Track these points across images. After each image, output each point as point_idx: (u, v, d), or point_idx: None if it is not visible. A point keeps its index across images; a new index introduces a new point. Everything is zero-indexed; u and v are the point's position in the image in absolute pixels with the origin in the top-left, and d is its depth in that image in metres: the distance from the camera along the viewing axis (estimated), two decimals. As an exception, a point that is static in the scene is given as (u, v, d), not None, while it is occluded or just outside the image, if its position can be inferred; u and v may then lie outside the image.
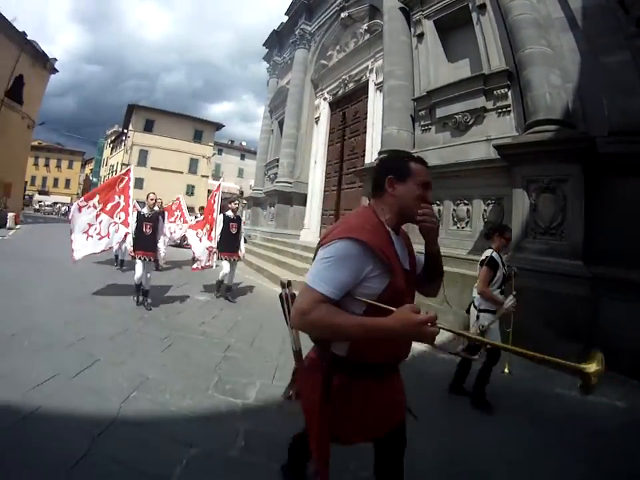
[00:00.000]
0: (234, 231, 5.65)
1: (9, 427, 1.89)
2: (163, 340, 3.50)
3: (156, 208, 5.43)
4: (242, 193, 37.65)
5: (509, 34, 5.28)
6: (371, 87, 8.94)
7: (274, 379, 2.87)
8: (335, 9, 11.17)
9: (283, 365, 3.06)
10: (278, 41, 16.33)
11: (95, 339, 3.29)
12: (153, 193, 5.33)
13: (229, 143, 45.28)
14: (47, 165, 48.05)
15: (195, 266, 5.84)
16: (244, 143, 47.95)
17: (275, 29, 16.51)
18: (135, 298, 4.88)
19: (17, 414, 1.99)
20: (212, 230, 5.67)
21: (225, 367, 3.03)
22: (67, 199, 45.38)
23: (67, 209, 33.91)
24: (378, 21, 8.96)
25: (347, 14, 10.55)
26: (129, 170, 5.56)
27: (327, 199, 10.55)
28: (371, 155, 8.16)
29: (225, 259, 5.58)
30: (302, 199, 11.23)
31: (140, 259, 4.85)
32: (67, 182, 49.69)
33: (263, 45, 17.66)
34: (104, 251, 5.13)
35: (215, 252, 5.65)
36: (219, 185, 6.29)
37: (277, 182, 12.11)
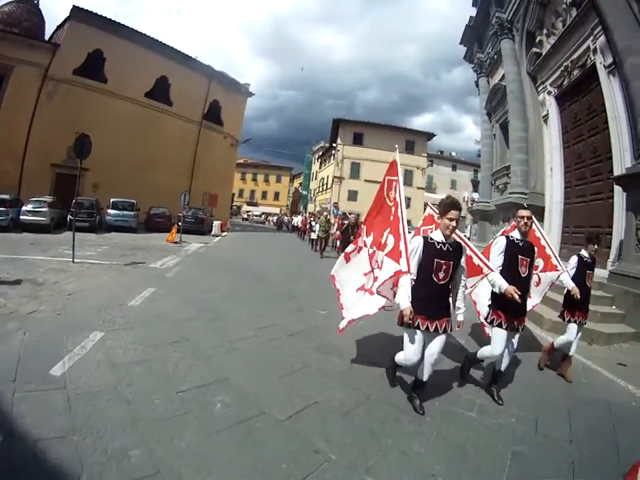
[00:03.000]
0: (524, 272, 3.45)
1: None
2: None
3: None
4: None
5: None
6: (601, 72, 8.21)
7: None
8: (525, -13, 10.78)
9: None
10: (474, 36, 16.36)
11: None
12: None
13: (439, 153, 46.23)
14: (254, 180, 62.34)
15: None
16: (453, 154, 48.55)
17: (467, 23, 16.69)
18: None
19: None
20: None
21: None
22: (277, 210, 56.87)
23: (281, 219, 41.92)
24: (584, -13, 8.31)
25: (541, -11, 10.09)
26: (393, 163, 4.07)
27: (567, 213, 10.02)
28: (621, 156, 7.54)
29: (501, 326, 3.40)
30: (538, 213, 10.94)
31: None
32: (276, 194, 63.30)
33: (460, 43, 17.94)
34: (385, 309, 3.63)
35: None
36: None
37: (511, 193, 11.98)
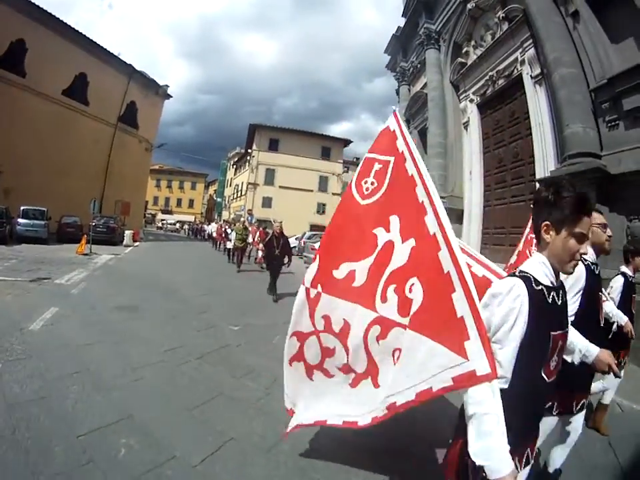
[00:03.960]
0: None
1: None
2: None
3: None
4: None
5: None
6: (527, 82, 8.63)
7: None
8: (458, 1, 11.23)
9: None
10: (400, 46, 16.90)
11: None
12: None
13: (355, 160, 47.67)
14: (169, 187, 59.78)
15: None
16: None
17: (394, 33, 17.12)
18: None
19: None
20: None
21: None
22: (191, 218, 55.45)
23: (192, 228, 40.04)
24: (516, 5, 8.78)
25: (473, 4, 10.57)
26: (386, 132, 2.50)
27: (487, 215, 10.36)
28: (544, 161, 7.83)
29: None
30: (458, 216, 11.26)
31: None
32: (191, 202, 61.15)
33: (384, 52, 18.42)
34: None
35: None
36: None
37: None
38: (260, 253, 11.28)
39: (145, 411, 2.90)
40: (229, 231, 16.31)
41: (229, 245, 14.86)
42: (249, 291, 9.19)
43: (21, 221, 15.69)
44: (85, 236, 14.27)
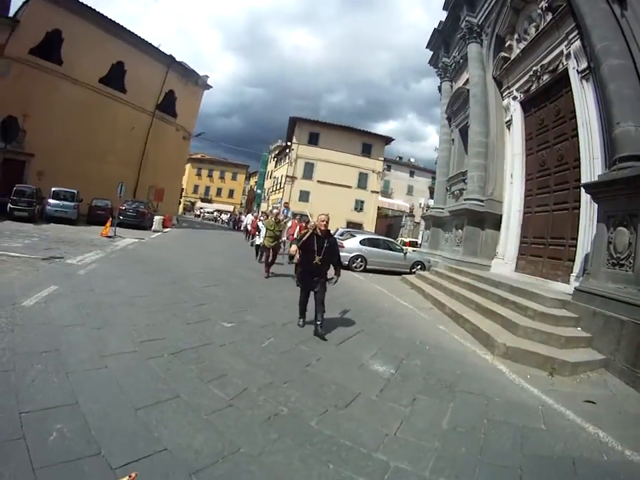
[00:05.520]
0: None
1: None
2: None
3: None
4: (411, 210, 37.94)
5: None
6: (573, 77, 7.78)
7: None
8: (501, -8, 10.48)
9: None
10: (442, 40, 16.27)
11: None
12: None
13: (397, 159, 46.66)
14: (210, 176, 61.30)
15: None
16: (412, 160, 49.32)
17: (436, 27, 16.39)
18: None
19: None
20: None
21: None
22: (230, 207, 56.18)
23: (231, 219, 40.56)
24: (560, -7, 7.90)
25: (516, -5, 9.74)
26: None
27: (527, 222, 9.51)
28: (590, 165, 7.02)
29: None
30: (495, 222, 10.47)
31: None
32: (231, 192, 62.37)
33: (426, 47, 17.81)
34: None
35: None
36: None
37: (466, 199, 11.59)
38: (297, 255, 5.77)
39: (92, 401, 2.80)
40: (260, 224, 12.27)
41: (258, 240, 11.80)
42: (261, 285, 8.65)
43: (51, 201, 16.37)
44: (110, 219, 14.55)
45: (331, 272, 5.45)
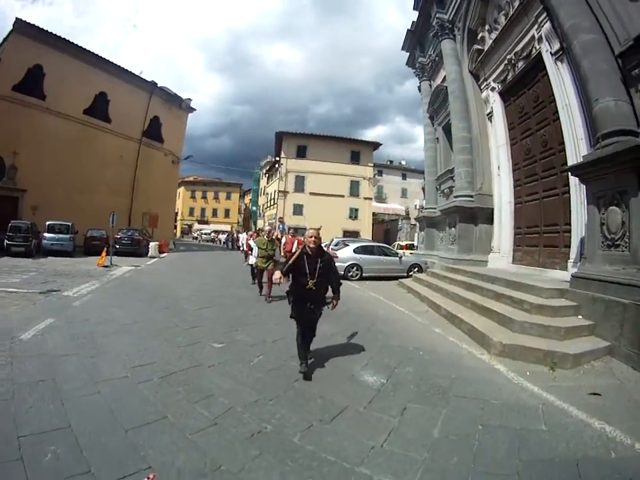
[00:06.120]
0: None
1: None
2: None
3: None
4: (407, 213, 37.69)
5: None
6: (548, 60, 7.67)
7: None
8: (466, -15, 10.51)
9: None
10: (416, 40, 16.37)
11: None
12: None
13: (388, 163, 46.72)
14: (204, 197, 61.37)
15: None
16: (403, 162, 49.47)
17: (409, 28, 16.47)
18: None
19: None
20: None
21: None
22: (228, 227, 55.77)
23: (228, 238, 40.23)
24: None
25: (481, -15, 9.71)
26: None
27: (519, 213, 9.28)
28: (575, 147, 6.80)
29: None
30: (487, 216, 10.24)
31: None
32: (227, 211, 62.43)
33: (402, 49, 17.92)
34: None
35: None
36: None
37: (456, 196, 11.43)
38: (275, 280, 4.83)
39: (83, 424, 2.92)
40: (251, 243, 10.58)
41: (251, 260, 10.42)
42: (253, 303, 8.24)
43: (46, 235, 16.42)
44: (106, 248, 14.44)
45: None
